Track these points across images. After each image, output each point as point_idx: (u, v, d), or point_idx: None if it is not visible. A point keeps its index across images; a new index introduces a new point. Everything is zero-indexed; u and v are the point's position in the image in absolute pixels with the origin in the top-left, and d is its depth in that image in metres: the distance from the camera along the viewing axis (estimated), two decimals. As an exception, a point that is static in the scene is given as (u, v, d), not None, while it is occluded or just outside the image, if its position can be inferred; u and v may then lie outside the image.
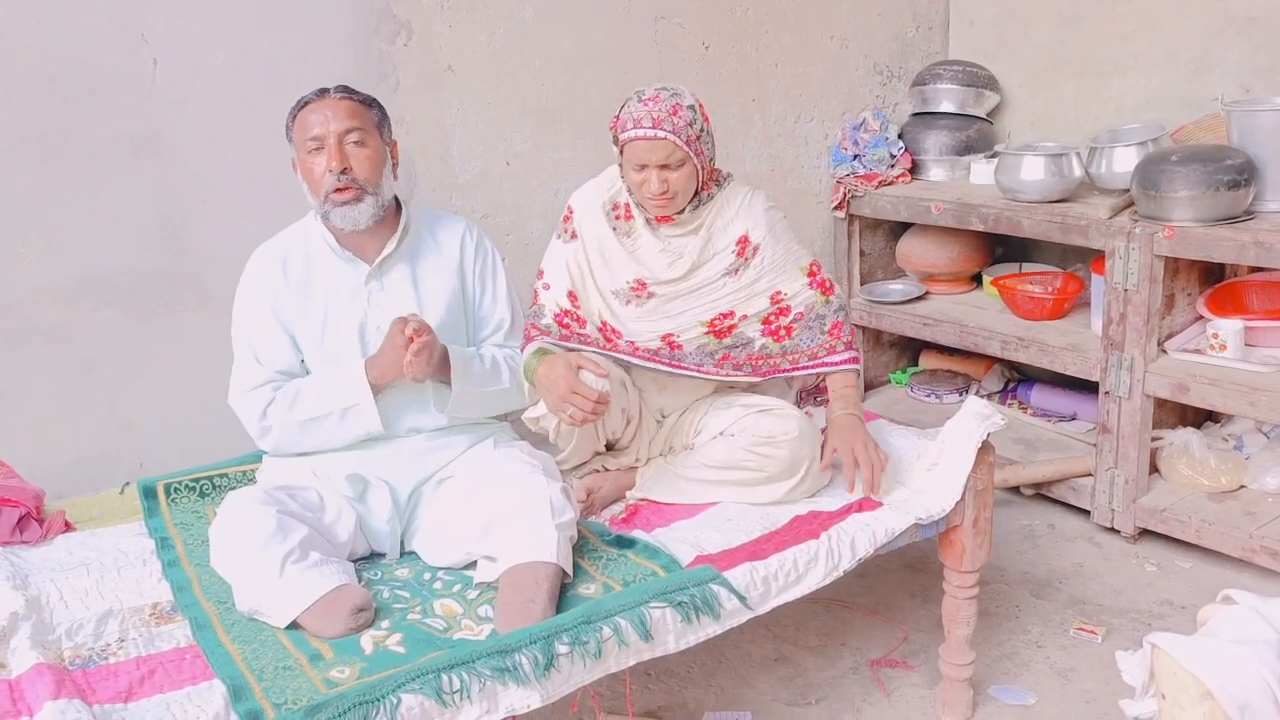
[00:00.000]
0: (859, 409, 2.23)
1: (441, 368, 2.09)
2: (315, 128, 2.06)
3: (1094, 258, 3.02)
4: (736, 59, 3.30)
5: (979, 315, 3.33)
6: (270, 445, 2.12)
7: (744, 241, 2.20)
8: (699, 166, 2.11)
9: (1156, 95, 3.27)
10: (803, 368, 2.24)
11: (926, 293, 3.53)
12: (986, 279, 3.50)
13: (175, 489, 2.21)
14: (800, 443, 2.12)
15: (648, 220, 2.20)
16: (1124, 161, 2.96)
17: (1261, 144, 2.69)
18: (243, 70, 2.49)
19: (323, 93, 2.10)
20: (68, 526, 2.10)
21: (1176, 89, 3.22)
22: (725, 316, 2.21)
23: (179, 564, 1.97)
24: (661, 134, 2.04)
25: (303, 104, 2.10)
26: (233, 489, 2.19)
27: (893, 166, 3.48)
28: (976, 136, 3.50)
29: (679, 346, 2.20)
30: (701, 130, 2.10)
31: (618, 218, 2.22)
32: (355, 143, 2.06)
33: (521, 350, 2.21)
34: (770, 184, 3.45)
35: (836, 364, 2.24)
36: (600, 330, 2.22)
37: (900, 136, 3.55)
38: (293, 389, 2.09)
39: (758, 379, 2.24)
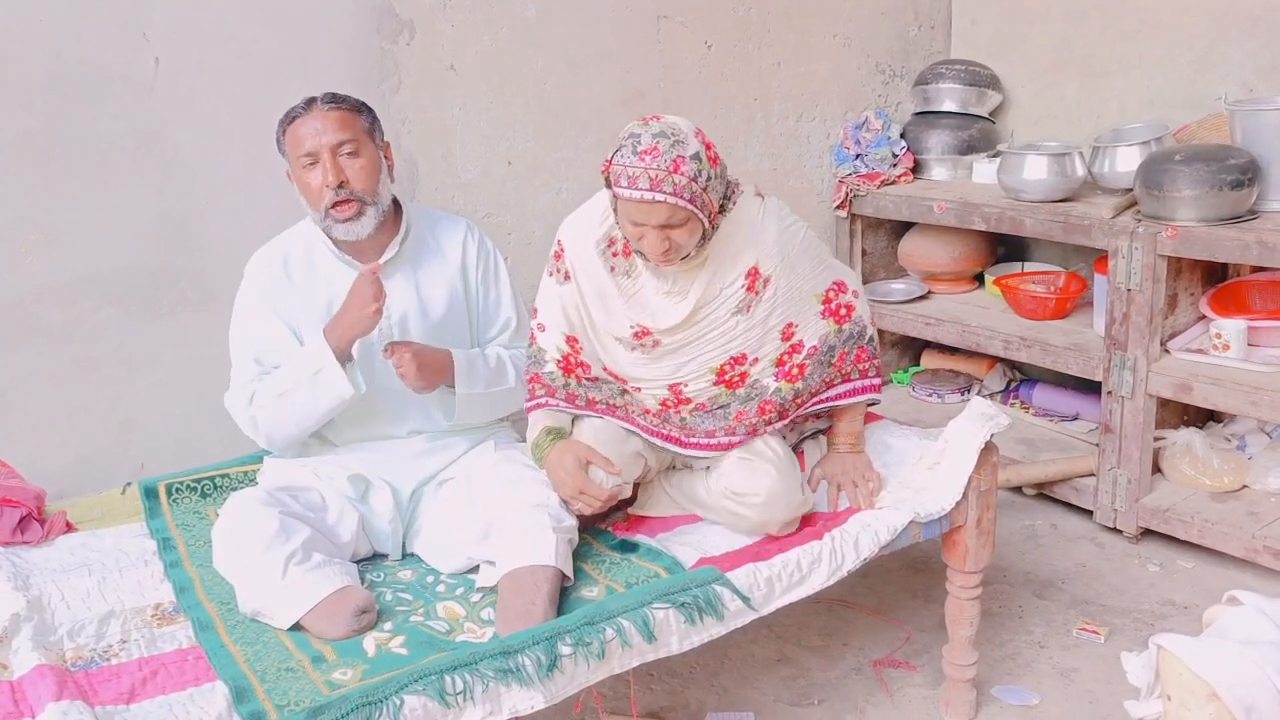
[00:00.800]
0: (859, 443, 2.18)
1: (447, 372, 2.08)
2: (307, 142, 2.01)
3: (1097, 257, 3.01)
4: (739, 58, 3.30)
5: (981, 315, 3.32)
6: (263, 438, 2.09)
7: (754, 274, 1.97)
8: (704, 217, 1.88)
9: (1160, 94, 3.26)
10: (805, 407, 2.12)
11: (929, 292, 3.53)
12: (989, 278, 3.49)
13: (177, 489, 2.21)
14: (768, 508, 1.98)
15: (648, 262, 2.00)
16: (1127, 161, 2.96)
17: (1265, 143, 2.69)
18: (244, 69, 2.49)
19: (310, 103, 2.03)
20: (69, 527, 2.09)
21: (1180, 88, 3.21)
22: (737, 362, 2.02)
23: (181, 565, 1.97)
24: (660, 196, 1.80)
25: (291, 117, 2.04)
26: (234, 489, 2.20)
27: (895, 166, 3.47)
28: (979, 136, 3.49)
29: (687, 400, 2.05)
30: (708, 180, 1.85)
31: (614, 254, 2.02)
32: (349, 154, 2.02)
33: (527, 410, 2.12)
34: (772, 183, 3.45)
35: (830, 399, 2.12)
36: (606, 371, 2.10)
37: (902, 136, 3.55)
38: (270, 375, 2.06)
39: (769, 431, 2.10)
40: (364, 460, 2.09)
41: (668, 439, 2.09)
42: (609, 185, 1.90)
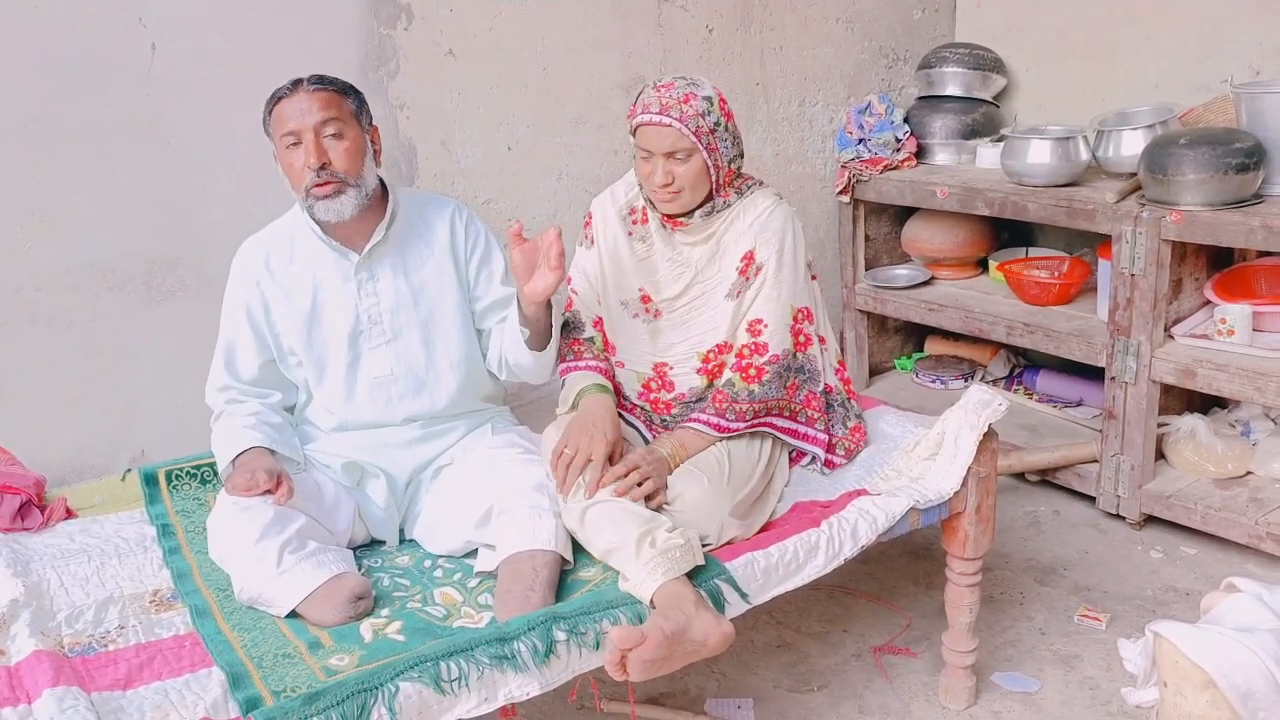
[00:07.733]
0: (680, 455, 1.99)
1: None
2: (291, 122, 1.97)
3: (1100, 242, 2.99)
4: (740, 43, 3.28)
5: (985, 300, 3.31)
6: None
7: (749, 258, 2.06)
8: (711, 165, 2.01)
9: (1165, 77, 3.24)
10: (759, 422, 2.02)
11: (932, 278, 3.51)
12: (992, 264, 3.47)
13: (177, 476, 2.21)
14: (688, 515, 1.88)
15: (662, 224, 2.10)
16: (1131, 145, 2.93)
17: (1271, 127, 2.66)
18: (242, 54, 2.48)
19: (296, 84, 2.00)
20: (69, 513, 2.10)
21: (1186, 71, 3.19)
22: (721, 350, 2.09)
23: (180, 551, 1.97)
24: (668, 120, 1.96)
25: (277, 98, 2.00)
26: (234, 476, 2.20)
27: (898, 150, 3.45)
28: (983, 120, 3.47)
29: (670, 385, 2.13)
30: (716, 124, 1.99)
31: (634, 221, 2.15)
32: (333, 135, 1.98)
33: (563, 372, 2.16)
34: (775, 169, 3.43)
35: (779, 430, 2.05)
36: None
37: (906, 120, 3.52)
38: (222, 420, 2.07)
39: (736, 425, 2.02)
40: (359, 448, 2.08)
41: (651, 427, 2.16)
42: (632, 132, 2.04)
